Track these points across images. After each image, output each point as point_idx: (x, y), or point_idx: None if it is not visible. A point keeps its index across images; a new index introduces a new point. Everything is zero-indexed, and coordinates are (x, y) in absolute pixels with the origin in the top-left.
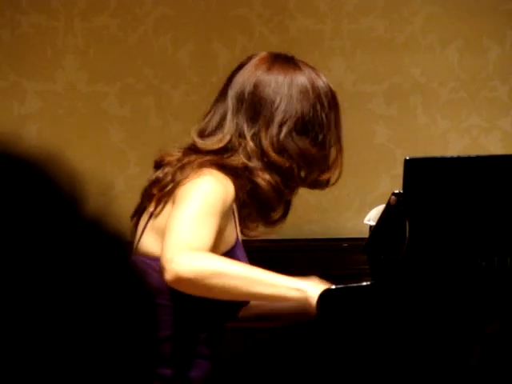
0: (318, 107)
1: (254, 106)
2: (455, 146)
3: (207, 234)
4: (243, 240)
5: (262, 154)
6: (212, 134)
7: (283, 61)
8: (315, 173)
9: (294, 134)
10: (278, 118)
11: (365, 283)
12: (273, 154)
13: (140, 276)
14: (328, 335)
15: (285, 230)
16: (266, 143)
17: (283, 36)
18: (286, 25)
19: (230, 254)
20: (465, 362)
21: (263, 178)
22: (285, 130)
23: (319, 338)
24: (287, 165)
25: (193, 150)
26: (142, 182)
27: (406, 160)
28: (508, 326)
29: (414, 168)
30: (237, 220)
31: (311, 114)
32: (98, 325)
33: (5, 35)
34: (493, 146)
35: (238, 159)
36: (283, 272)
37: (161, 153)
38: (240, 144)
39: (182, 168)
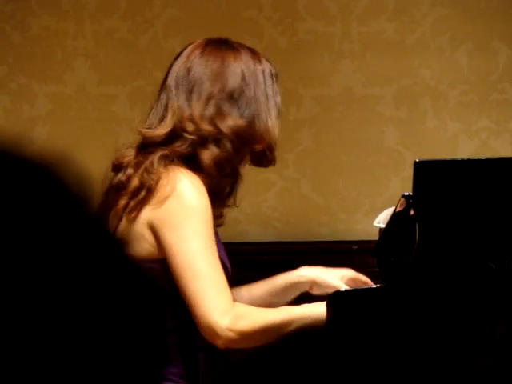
0: (251, 82)
1: (189, 89)
2: (465, 149)
3: (219, 265)
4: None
5: (199, 134)
6: (158, 125)
7: (216, 44)
8: (249, 146)
9: (224, 109)
10: (208, 96)
11: (374, 286)
12: (207, 129)
13: (148, 274)
14: (337, 338)
15: (294, 232)
16: (200, 122)
17: (292, 38)
18: (295, 27)
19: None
20: (474, 364)
21: (207, 158)
22: (215, 106)
23: (328, 341)
24: (223, 140)
25: (144, 146)
26: None
27: (415, 162)
28: None
29: (424, 170)
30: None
31: (240, 90)
32: (106, 324)
33: (15, 38)
34: (503, 149)
35: (185, 145)
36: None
37: (116, 154)
38: (183, 128)
39: (147, 171)
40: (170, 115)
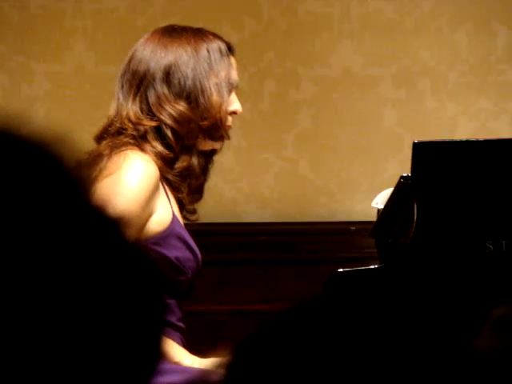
0: (189, 60)
1: (129, 81)
2: (464, 130)
3: None
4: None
5: (139, 131)
6: (110, 116)
7: (160, 31)
8: (195, 124)
9: (160, 94)
10: (145, 84)
11: (372, 266)
12: (147, 124)
13: (149, 259)
14: (333, 320)
15: (292, 212)
16: (138, 121)
17: (292, 19)
18: (295, 7)
19: (167, 231)
20: (470, 345)
21: (150, 150)
22: (152, 93)
23: (324, 323)
24: (164, 130)
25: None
26: None
27: (414, 143)
28: None
29: (423, 151)
30: (171, 199)
31: (175, 69)
32: (106, 315)
33: (13, 16)
34: (502, 130)
35: (129, 138)
36: (293, 255)
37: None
38: (122, 128)
39: (100, 156)
40: (113, 112)
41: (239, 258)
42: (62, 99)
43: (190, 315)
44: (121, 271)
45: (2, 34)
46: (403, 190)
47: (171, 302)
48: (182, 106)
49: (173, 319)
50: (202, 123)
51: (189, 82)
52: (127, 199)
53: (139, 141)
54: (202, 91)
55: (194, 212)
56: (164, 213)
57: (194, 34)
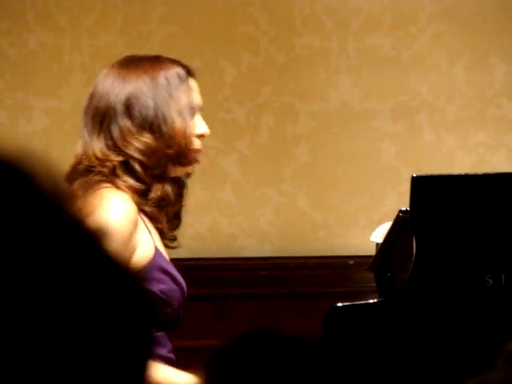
0: (148, 89)
1: (92, 118)
2: (462, 164)
3: None
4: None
5: (107, 167)
6: (77, 155)
7: (119, 63)
8: (162, 153)
9: (124, 127)
10: (108, 119)
11: (371, 300)
12: (114, 160)
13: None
14: (334, 354)
15: (291, 247)
16: (104, 158)
17: (289, 53)
18: (292, 42)
19: (150, 264)
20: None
21: (122, 185)
22: (116, 128)
23: (324, 358)
24: (131, 164)
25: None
26: None
27: (413, 177)
28: None
29: (421, 185)
30: (151, 231)
31: (135, 100)
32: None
33: (12, 53)
34: (500, 164)
35: (99, 176)
36: (292, 289)
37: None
38: (90, 166)
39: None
40: (80, 150)
41: (237, 292)
42: (61, 135)
43: (187, 351)
44: (114, 302)
45: (0, 70)
46: (402, 223)
47: (160, 334)
48: (146, 138)
49: (163, 352)
50: (168, 151)
51: (150, 112)
52: (109, 241)
53: (110, 177)
54: (164, 120)
55: (174, 239)
56: (146, 246)
57: (151, 63)
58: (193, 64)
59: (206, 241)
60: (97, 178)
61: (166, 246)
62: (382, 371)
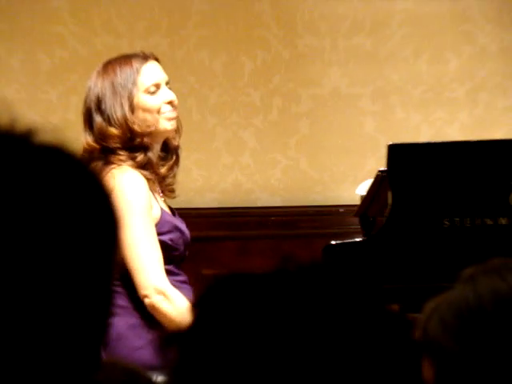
0: (108, 86)
1: (83, 114)
2: (425, 135)
3: (154, 248)
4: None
5: (100, 152)
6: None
7: (102, 65)
8: (134, 135)
9: (98, 123)
10: (91, 118)
11: (358, 239)
12: (97, 148)
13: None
14: (330, 282)
15: (295, 198)
16: (92, 149)
17: (293, 51)
18: (295, 42)
19: (160, 221)
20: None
21: (124, 157)
22: (95, 125)
23: (321, 286)
24: (112, 150)
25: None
26: None
27: (389, 145)
28: None
29: (395, 151)
30: (156, 194)
31: (102, 97)
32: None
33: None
34: (454, 134)
35: (101, 160)
36: (296, 231)
37: None
38: (88, 146)
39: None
40: (87, 139)
41: (254, 234)
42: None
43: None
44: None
45: None
46: (380, 180)
47: (171, 267)
48: (113, 129)
49: (179, 278)
50: (136, 131)
51: (111, 110)
52: (137, 215)
53: (110, 157)
54: (117, 109)
55: (172, 191)
56: (155, 207)
57: (115, 62)
58: (220, 60)
59: (230, 194)
60: (100, 163)
61: (167, 197)
62: (366, 288)
